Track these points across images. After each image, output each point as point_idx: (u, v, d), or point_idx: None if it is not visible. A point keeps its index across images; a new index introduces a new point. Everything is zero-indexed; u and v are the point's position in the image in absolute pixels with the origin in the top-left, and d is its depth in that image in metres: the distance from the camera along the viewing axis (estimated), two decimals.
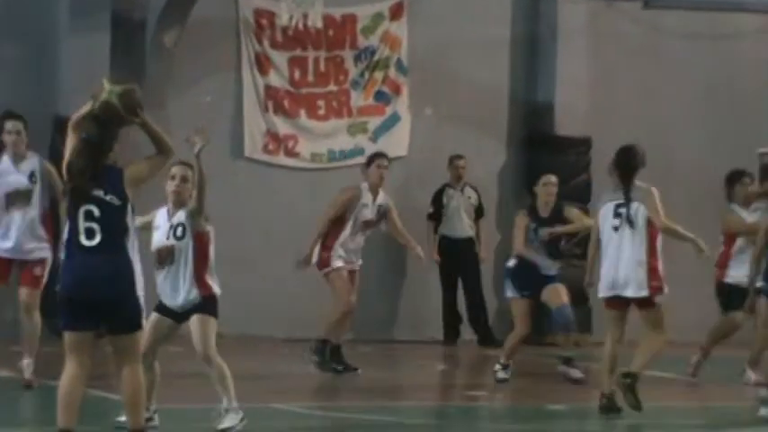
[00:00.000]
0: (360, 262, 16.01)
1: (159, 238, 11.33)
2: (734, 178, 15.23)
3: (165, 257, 11.31)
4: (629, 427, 13.15)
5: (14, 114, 14.12)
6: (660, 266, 13.03)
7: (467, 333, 18.99)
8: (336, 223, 15.64)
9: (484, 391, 15.60)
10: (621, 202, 13.15)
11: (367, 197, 15.70)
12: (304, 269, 15.99)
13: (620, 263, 13.06)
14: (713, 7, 20.44)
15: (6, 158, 13.84)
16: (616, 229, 13.16)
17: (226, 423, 11.13)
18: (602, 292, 13.24)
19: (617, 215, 13.18)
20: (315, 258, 15.75)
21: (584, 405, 14.37)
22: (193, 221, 11.26)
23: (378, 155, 16.19)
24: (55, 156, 17.62)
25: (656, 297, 13.08)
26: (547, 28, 19.81)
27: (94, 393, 12.82)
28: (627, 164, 13.35)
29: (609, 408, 13.01)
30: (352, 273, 15.90)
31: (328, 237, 15.67)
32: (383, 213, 15.90)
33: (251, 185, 18.79)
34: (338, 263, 15.66)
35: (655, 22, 20.28)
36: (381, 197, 15.84)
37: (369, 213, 15.77)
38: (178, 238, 11.28)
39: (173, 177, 11.39)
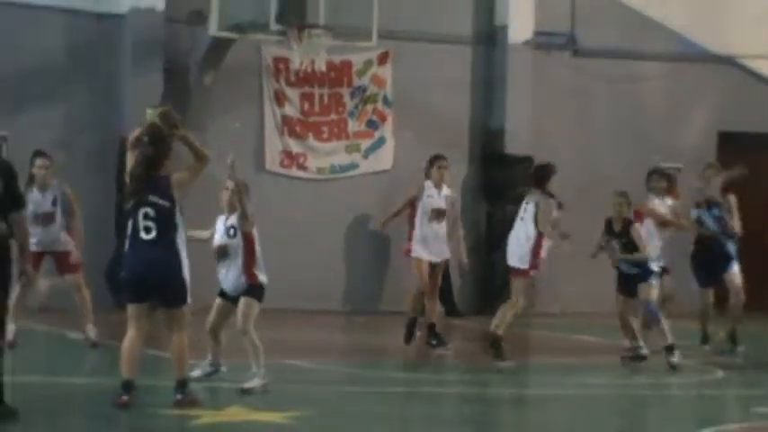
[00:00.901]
0: (443, 258, 14.91)
1: (218, 238, 11.36)
2: (649, 176, 14.91)
3: (223, 254, 11.34)
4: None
5: (43, 153, 13.96)
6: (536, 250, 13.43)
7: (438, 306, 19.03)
8: (411, 215, 14.86)
9: (449, 350, 15.70)
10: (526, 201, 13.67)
11: (431, 190, 14.76)
12: (383, 228, 15.92)
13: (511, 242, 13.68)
14: (626, 56, 20.39)
15: (35, 189, 13.66)
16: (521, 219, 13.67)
17: (252, 384, 11.18)
18: None
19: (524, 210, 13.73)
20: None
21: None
22: (241, 223, 11.28)
23: (438, 157, 15.10)
24: (122, 170, 17.79)
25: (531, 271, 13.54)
26: (499, 71, 19.84)
27: (150, 353, 12.94)
28: (534, 175, 14.09)
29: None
30: (433, 265, 14.84)
31: (409, 229, 14.90)
32: (451, 203, 14.93)
33: (271, 192, 18.79)
34: (419, 253, 14.73)
35: (582, 68, 20.26)
36: (446, 190, 14.89)
37: (436, 202, 14.73)
38: (231, 237, 11.32)
39: (226, 188, 11.43)
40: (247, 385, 11.14)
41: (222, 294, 11.48)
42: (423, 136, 19.48)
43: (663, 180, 14.56)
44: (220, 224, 11.44)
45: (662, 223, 14.32)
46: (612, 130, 20.29)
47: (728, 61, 20.93)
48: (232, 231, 11.33)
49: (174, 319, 10.15)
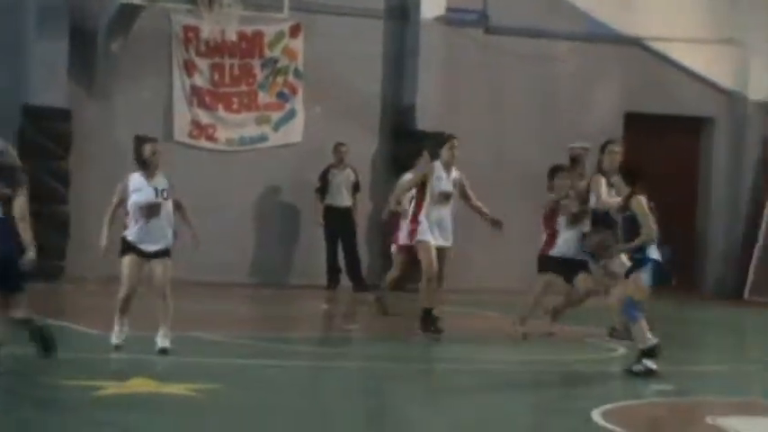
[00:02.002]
0: (449, 242, 14.10)
1: (149, 197, 11.58)
2: (552, 172, 14.37)
3: (156, 212, 11.63)
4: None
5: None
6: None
7: (345, 281, 19.11)
8: (419, 197, 14.00)
9: (356, 324, 15.79)
10: None
11: (440, 172, 14.01)
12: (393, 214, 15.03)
13: None
14: (536, 34, 20.52)
15: None
16: None
17: (167, 344, 11.49)
18: None
19: None
20: (403, 232, 14.30)
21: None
22: (172, 189, 11.74)
23: (450, 136, 14.43)
24: (23, 136, 17.64)
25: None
26: (410, 47, 19.87)
27: (53, 324, 12.85)
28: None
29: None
30: (440, 250, 13.99)
31: (415, 211, 13.99)
32: (458, 186, 14.17)
33: (179, 163, 18.66)
34: (426, 237, 13.89)
35: (493, 44, 20.38)
36: (454, 172, 14.16)
37: (444, 185, 14.01)
38: (164, 199, 11.64)
39: (153, 153, 11.66)
40: (164, 346, 11.50)
41: (135, 251, 11.61)
42: (334, 109, 19.55)
43: (567, 179, 14.28)
44: (143, 184, 11.60)
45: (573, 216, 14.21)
46: (522, 107, 20.45)
47: (636, 42, 21.18)
48: (165, 193, 11.65)
49: None
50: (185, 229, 12.04)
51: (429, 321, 13.88)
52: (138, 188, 11.66)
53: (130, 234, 11.70)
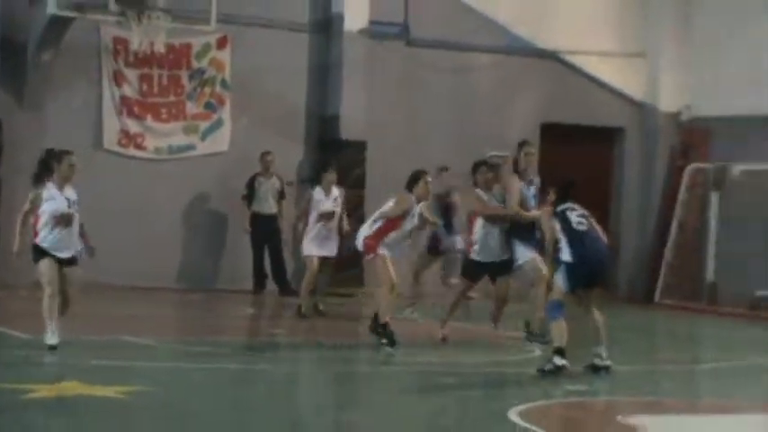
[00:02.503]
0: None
1: (62, 207, 11.93)
2: (475, 168, 14.36)
3: (69, 221, 11.98)
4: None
5: None
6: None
7: (271, 285, 19.08)
8: (391, 224, 13.57)
9: (282, 329, 15.79)
10: None
11: (415, 207, 13.66)
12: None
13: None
14: (456, 47, 20.61)
15: None
16: None
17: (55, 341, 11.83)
18: None
19: None
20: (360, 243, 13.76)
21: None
22: (78, 199, 12.12)
23: (423, 172, 13.94)
24: None
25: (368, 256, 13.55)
26: (334, 59, 19.87)
27: None
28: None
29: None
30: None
31: (379, 233, 13.57)
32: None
33: (108, 171, 18.63)
34: (383, 251, 13.47)
35: (414, 57, 20.42)
36: (423, 205, 13.83)
37: (417, 219, 13.75)
38: (74, 208, 12.03)
39: (71, 166, 12.09)
40: (53, 342, 11.80)
41: (52, 258, 11.92)
42: (260, 119, 19.54)
43: (490, 172, 14.49)
44: (56, 192, 11.95)
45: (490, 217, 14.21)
46: (442, 118, 20.54)
47: (552, 56, 21.35)
48: (75, 205, 12.03)
49: None
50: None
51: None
52: (52, 197, 11.98)
53: (44, 241, 11.97)
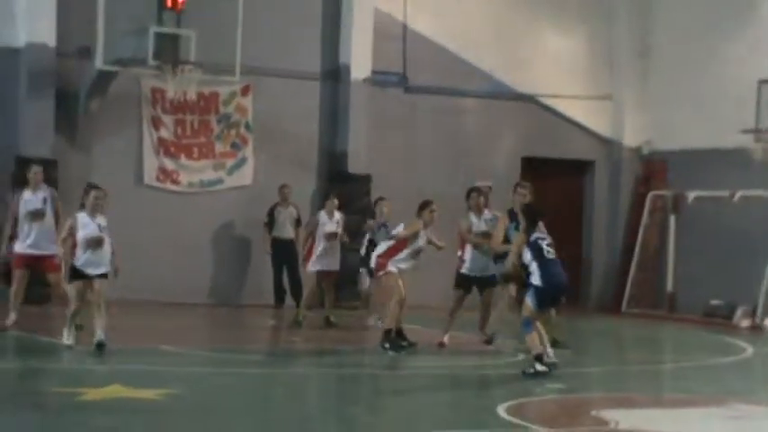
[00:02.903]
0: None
1: (95, 231, 12.44)
2: (468, 194, 14.48)
3: (100, 244, 12.44)
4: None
5: (37, 162, 14.81)
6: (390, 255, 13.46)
7: (289, 300, 19.00)
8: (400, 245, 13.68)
9: (299, 338, 15.71)
10: None
11: (422, 232, 13.76)
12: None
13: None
14: (447, 93, 20.57)
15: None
16: None
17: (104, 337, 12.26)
18: None
19: None
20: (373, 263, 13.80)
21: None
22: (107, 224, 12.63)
23: (429, 202, 14.06)
24: (16, 181, 17.45)
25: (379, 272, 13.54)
26: (342, 103, 19.82)
27: (43, 340, 12.65)
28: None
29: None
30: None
31: (388, 252, 13.64)
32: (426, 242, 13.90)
33: (148, 203, 18.62)
34: (392, 267, 13.49)
35: (411, 102, 20.41)
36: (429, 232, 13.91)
37: (421, 243, 13.83)
38: (104, 232, 12.54)
39: (96, 198, 12.62)
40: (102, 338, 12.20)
41: (83, 276, 12.41)
42: (278, 157, 19.50)
43: (481, 197, 14.42)
44: (88, 220, 12.48)
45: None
46: (436, 154, 20.51)
47: (531, 99, 21.34)
48: (105, 230, 12.56)
49: None
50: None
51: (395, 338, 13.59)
52: (84, 225, 12.51)
53: (78, 261, 12.48)
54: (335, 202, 16.54)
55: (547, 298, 11.99)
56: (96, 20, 16.92)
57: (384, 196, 16.89)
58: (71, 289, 12.51)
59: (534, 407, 10.18)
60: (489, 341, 14.05)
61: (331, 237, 16.07)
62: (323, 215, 16.33)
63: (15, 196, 14.43)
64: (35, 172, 14.33)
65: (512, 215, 13.86)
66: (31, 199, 14.21)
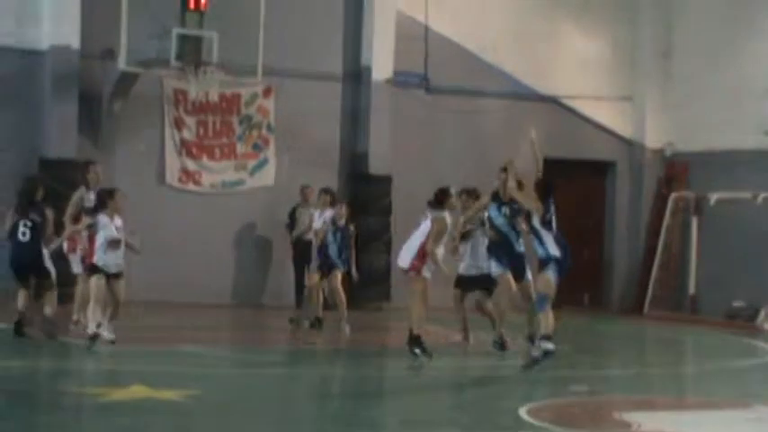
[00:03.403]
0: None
1: (115, 233, 12.82)
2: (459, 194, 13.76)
3: (119, 244, 12.81)
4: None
5: (89, 162, 14.88)
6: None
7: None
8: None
9: (319, 339, 15.69)
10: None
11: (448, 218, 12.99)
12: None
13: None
14: (468, 94, 20.56)
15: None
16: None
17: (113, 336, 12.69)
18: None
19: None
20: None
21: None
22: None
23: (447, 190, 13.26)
24: (43, 183, 17.52)
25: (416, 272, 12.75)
26: (364, 105, 19.83)
27: (63, 340, 12.66)
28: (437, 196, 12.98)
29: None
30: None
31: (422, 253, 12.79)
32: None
33: (171, 204, 18.67)
34: (427, 273, 12.77)
35: (432, 103, 20.39)
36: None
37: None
38: (121, 233, 12.90)
39: (119, 200, 12.99)
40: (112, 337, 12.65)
41: (101, 272, 12.78)
42: (300, 158, 19.51)
43: (463, 195, 13.91)
44: (107, 221, 12.86)
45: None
46: (457, 154, 20.48)
47: (552, 100, 21.31)
48: (122, 231, 12.94)
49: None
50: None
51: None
52: (105, 225, 12.85)
53: (99, 261, 12.82)
54: (328, 198, 16.16)
55: (565, 269, 11.82)
56: (119, 22, 16.98)
57: (339, 199, 16.50)
58: (95, 285, 12.73)
59: (556, 409, 10.14)
60: (501, 344, 13.71)
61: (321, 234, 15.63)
62: (315, 213, 16.12)
63: (75, 194, 14.25)
64: (95, 171, 14.29)
65: (494, 197, 13.70)
66: (89, 198, 13.98)
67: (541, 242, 11.96)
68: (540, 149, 12.58)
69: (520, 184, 13.00)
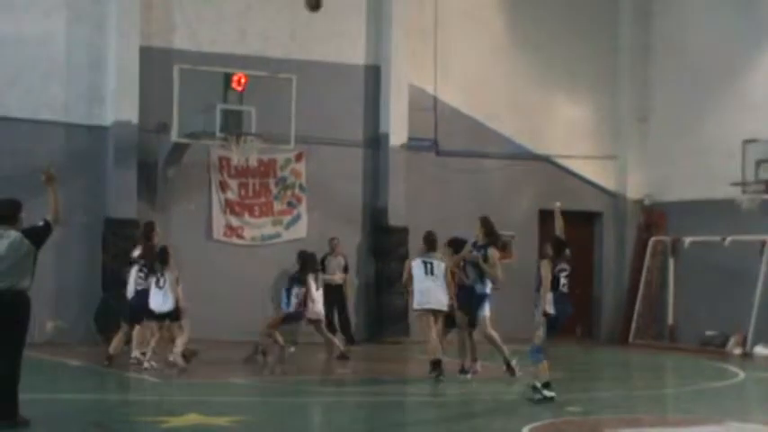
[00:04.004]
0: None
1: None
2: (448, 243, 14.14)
3: None
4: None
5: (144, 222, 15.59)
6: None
7: (338, 337, 19.00)
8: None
9: (349, 369, 15.70)
10: (427, 260, 13.43)
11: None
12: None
13: (430, 292, 13.26)
14: (473, 155, 20.61)
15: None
16: (425, 273, 13.42)
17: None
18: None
19: (425, 265, 13.48)
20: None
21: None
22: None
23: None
24: (105, 240, 17.73)
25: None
26: (382, 166, 19.89)
27: (126, 375, 12.71)
28: (429, 240, 13.80)
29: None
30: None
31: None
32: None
33: (217, 255, 18.75)
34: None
35: (442, 163, 20.44)
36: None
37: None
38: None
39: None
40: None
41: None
42: (328, 213, 19.58)
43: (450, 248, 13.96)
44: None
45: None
46: (464, 208, 20.30)
47: (546, 159, 21.37)
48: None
49: None
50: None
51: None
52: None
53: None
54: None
55: (556, 327, 11.70)
56: (172, 100, 17.21)
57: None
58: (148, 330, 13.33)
59: (554, 428, 10.10)
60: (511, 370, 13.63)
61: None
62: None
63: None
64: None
65: (474, 246, 13.87)
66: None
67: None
68: (560, 216, 12.41)
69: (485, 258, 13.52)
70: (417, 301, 13.58)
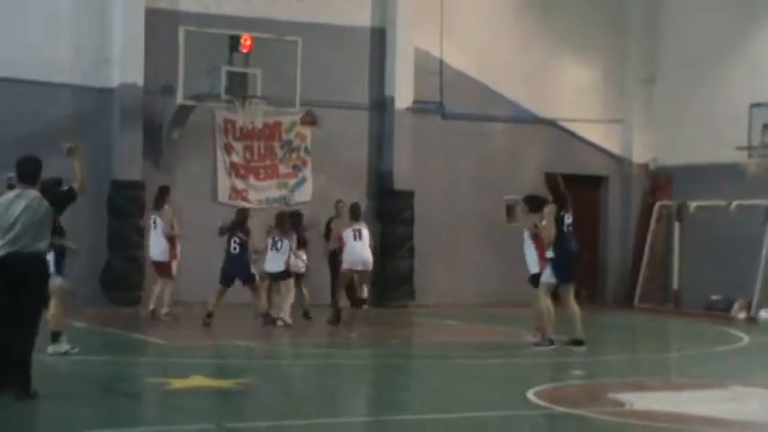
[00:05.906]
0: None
1: None
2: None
3: None
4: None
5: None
6: None
7: (343, 300, 18.99)
8: None
9: (354, 333, 15.59)
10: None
11: None
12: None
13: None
14: (478, 119, 20.53)
15: None
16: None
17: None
18: None
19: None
20: None
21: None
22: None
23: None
24: (111, 201, 17.71)
25: None
26: (388, 129, 19.83)
27: (135, 337, 12.74)
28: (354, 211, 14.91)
29: None
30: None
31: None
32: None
33: (221, 218, 18.73)
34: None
35: (447, 127, 20.36)
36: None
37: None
38: None
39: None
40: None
41: None
42: (333, 176, 19.54)
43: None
44: None
45: None
46: (469, 171, 20.48)
47: (551, 123, 21.30)
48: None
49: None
50: None
51: None
52: None
53: None
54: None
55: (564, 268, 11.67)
56: (177, 62, 17.11)
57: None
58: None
59: (559, 391, 10.14)
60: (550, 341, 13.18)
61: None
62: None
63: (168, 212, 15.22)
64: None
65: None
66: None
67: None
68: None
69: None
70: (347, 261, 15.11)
